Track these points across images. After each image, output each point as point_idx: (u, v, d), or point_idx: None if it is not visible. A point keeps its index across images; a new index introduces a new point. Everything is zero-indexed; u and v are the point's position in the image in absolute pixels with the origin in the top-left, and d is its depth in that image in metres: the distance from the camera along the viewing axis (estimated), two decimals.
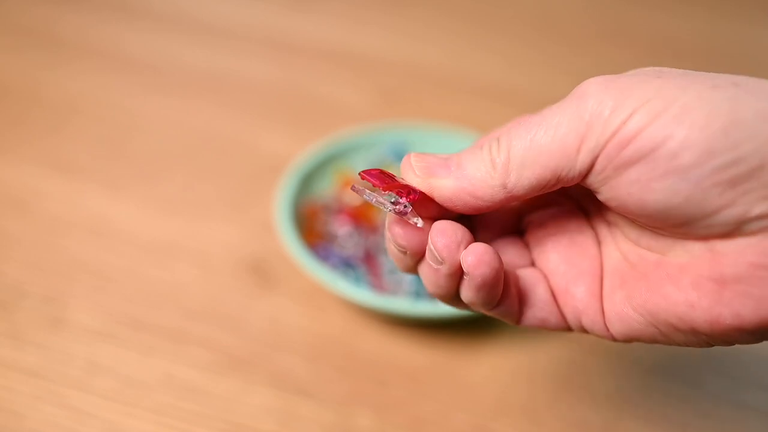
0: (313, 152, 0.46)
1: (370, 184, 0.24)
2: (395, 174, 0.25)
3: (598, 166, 0.20)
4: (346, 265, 0.42)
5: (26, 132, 0.52)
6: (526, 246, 0.27)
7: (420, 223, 0.24)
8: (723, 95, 0.19)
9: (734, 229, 0.19)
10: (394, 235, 0.24)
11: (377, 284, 0.41)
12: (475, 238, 0.25)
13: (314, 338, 0.39)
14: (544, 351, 0.39)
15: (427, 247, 0.24)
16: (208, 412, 0.35)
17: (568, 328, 0.25)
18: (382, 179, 0.24)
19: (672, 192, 0.19)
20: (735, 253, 0.20)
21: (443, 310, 0.38)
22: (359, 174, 0.24)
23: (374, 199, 0.24)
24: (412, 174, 0.24)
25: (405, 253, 0.25)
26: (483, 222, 0.27)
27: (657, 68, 0.21)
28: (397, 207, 0.24)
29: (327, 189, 0.46)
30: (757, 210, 0.19)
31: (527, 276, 0.25)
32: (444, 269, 0.23)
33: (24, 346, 0.38)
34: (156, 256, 0.43)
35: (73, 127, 0.53)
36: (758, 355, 0.39)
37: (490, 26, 0.69)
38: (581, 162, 0.21)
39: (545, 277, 0.26)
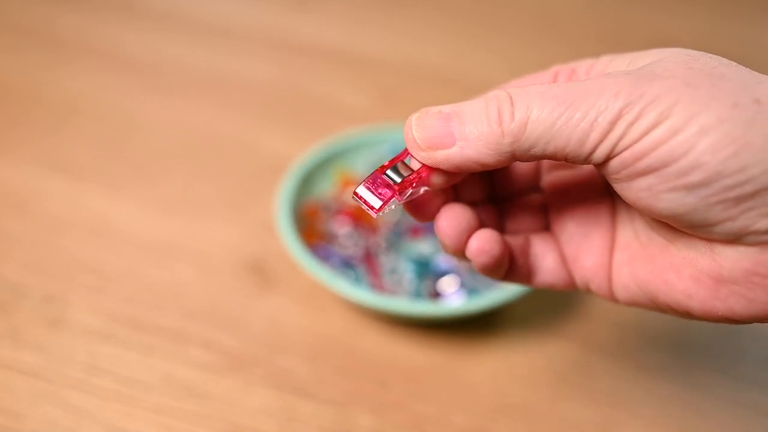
0: (313, 152, 0.46)
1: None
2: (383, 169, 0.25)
3: (611, 168, 0.21)
4: (346, 265, 0.42)
5: (26, 132, 0.52)
6: (544, 208, 0.28)
7: (422, 190, 0.25)
8: (741, 117, 0.19)
9: (735, 239, 0.21)
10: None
11: (377, 284, 0.41)
12: (494, 194, 0.27)
13: (314, 338, 0.39)
14: (544, 351, 0.39)
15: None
16: (208, 413, 0.35)
17: (575, 288, 0.27)
18: (388, 187, 0.24)
19: (678, 204, 0.20)
20: (734, 258, 0.21)
21: (443, 310, 0.38)
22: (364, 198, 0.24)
23: (394, 206, 0.24)
24: (416, 149, 0.24)
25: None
26: (502, 179, 0.28)
27: (687, 58, 0.21)
28: (412, 195, 0.25)
29: (327, 189, 0.46)
30: (757, 226, 0.20)
31: (539, 245, 0.27)
32: (450, 251, 0.26)
33: (24, 346, 0.38)
34: (156, 256, 0.43)
35: (73, 127, 0.53)
36: (758, 355, 0.40)
37: (490, 26, 0.69)
38: (595, 157, 0.21)
39: (557, 244, 0.27)
